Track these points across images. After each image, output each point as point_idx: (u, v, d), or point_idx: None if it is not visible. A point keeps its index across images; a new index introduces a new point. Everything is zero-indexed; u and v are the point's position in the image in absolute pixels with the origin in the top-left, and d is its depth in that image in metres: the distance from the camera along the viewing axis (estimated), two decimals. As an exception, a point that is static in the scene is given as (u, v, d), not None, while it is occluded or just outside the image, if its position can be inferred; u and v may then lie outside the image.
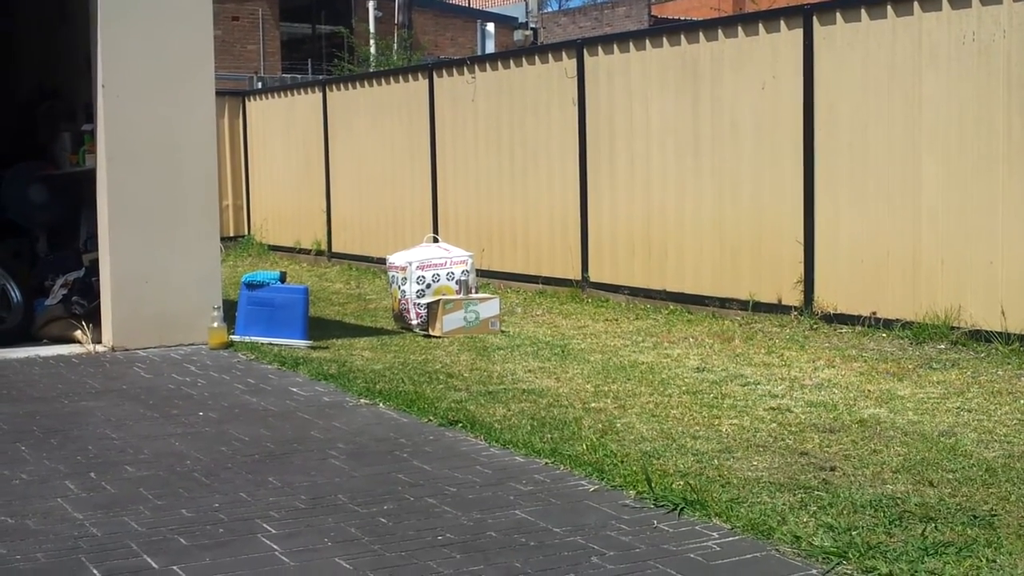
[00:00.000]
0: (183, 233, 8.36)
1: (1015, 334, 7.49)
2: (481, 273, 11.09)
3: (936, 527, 4.04)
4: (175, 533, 4.19)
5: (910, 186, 8.18)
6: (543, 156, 11.45)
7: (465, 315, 8.74)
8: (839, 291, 8.68)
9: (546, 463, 5.03)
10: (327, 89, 15.22)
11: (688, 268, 9.90)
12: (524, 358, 7.66)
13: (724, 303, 9.51)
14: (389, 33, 28.45)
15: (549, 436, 5.45)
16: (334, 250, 15.14)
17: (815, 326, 8.62)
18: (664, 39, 10.11)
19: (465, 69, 12.57)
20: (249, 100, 17.39)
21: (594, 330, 8.93)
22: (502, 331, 8.81)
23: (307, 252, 15.68)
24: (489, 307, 8.85)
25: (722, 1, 29.79)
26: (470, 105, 12.42)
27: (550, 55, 11.44)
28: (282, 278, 8.73)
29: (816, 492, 4.48)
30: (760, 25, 9.25)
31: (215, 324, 8.26)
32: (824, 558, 3.78)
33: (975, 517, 4.14)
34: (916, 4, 8.08)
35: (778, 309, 9.08)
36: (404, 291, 9.08)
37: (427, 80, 13.14)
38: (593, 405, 6.17)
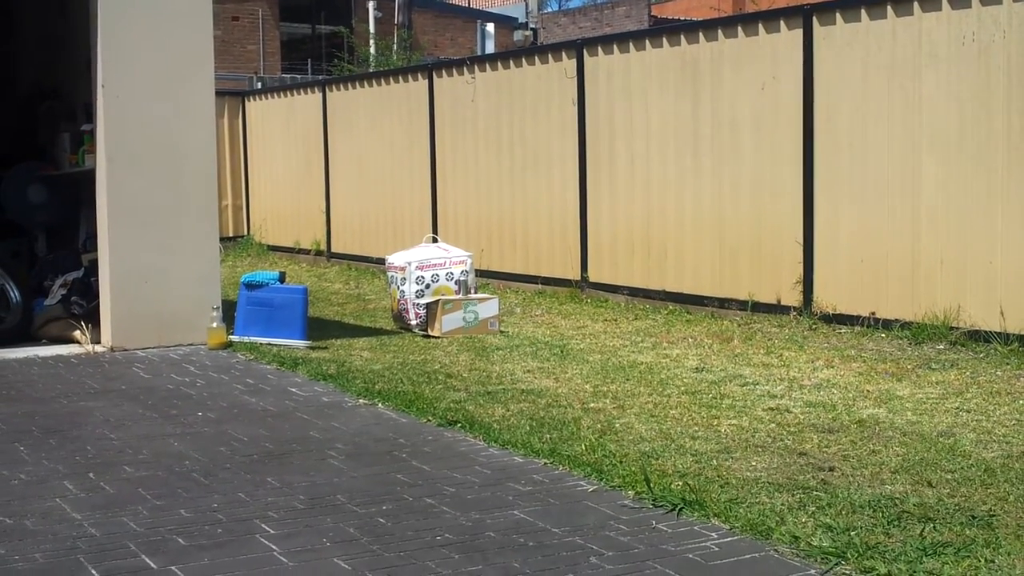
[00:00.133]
0: (182, 233, 8.36)
1: (1014, 334, 7.49)
2: (480, 273, 11.09)
3: (935, 527, 4.04)
4: (174, 533, 4.19)
5: (909, 186, 8.18)
6: (543, 156, 11.45)
7: (464, 315, 8.74)
8: (838, 291, 8.68)
9: (545, 463, 5.03)
10: (327, 89, 15.22)
11: (687, 268, 9.90)
12: (523, 358, 7.66)
13: (723, 303, 9.51)
14: (389, 33, 28.45)
15: (548, 436, 5.45)
16: (333, 250, 15.14)
17: (814, 326, 8.62)
18: (664, 39, 10.11)
19: (465, 69, 12.57)
20: (249, 100, 17.39)
21: (593, 330, 8.93)
22: (501, 331, 8.81)
23: (306, 252, 15.68)
24: (488, 307, 8.85)
25: (722, 1, 29.78)
26: (470, 105, 12.42)
27: (550, 55, 11.44)
28: (281, 278, 8.73)
29: (815, 492, 4.48)
30: (760, 25, 9.25)
31: (214, 324, 8.26)
32: (823, 558, 3.78)
33: (974, 517, 4.14)
34: (916, 4, 8.08)
35: (777, 309, 9.08)
36: (403, 291, 9.08)
37: (427, 80, 13.14)
38: (592, 405, 6.17)
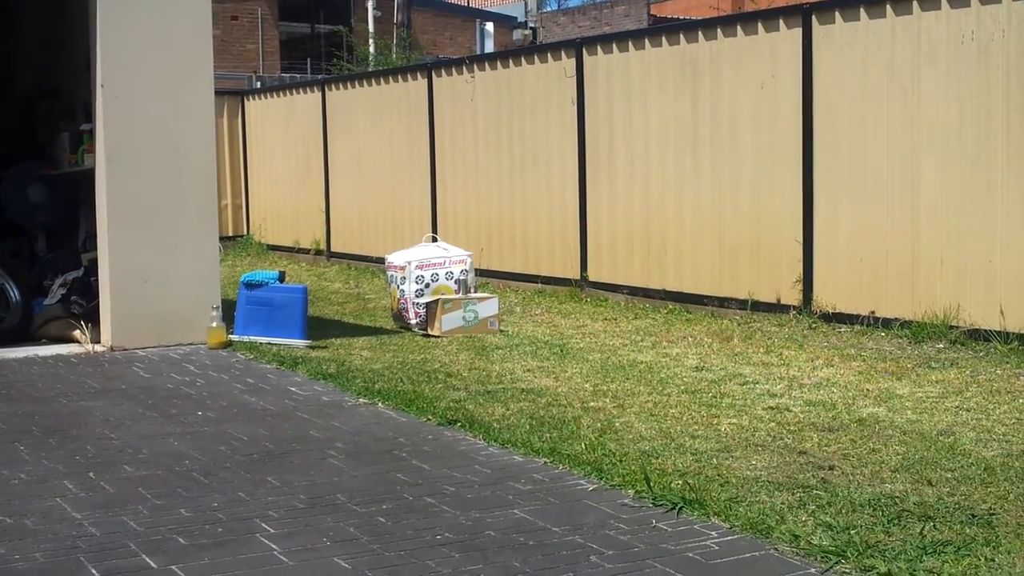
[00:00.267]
0: (182, 233, 8.36)
1: (1014, 333, 7.50)
2: (480, 272, 11.09)
3: (935, 526, 4.04)
4: (174, 533, 4.19)
5: (909, 185, 8.19)
6: (542, 155, 11.45)
7: (464, 314, 8.74)
8: (838, 290, 8.68)
9: (545, 462, 5.03)
10: (326, 88, 15.22)
11: (687, 267, 9.90)
12: (523, 357, 7.66)
13: (723, 302, 9.51)
14: (388, 32, 28.46)
15: (548, 435, 5.45)
16: (333, 250, 15.14)
17: (814, 325, 8.62)
18: (663, 38, 10.11)
19: (464, 68, 12.57)
20: (248, 100, 17.39)
21: (593, 329, 8.93)
22: (501, 330, 8.81)
23: (306, 252, 15.68)
24: (488, 306, 8.85)
25: (721, 0, 29.78)
26: (469, 104, 12.42)
27: (549, 54, 11.44)
28: (281, 278, 8.72)
29: (815, 491, 4.48)
30: (759, 24, 9.25)
31: (214, 324, 8.26)
32: (823, 557, 3.78)
33: (973, 516, 4.14)
34: (915, 3, 8.08)
35: (777, 308, 9.08)
36: (403, 290, 9.08)
37: (426, 79, 13.14)
38: (592, 404, 6.17)
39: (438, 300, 8.77)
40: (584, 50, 10.95)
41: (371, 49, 27.39)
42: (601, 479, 4.73)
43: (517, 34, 34.95)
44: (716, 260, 9.63)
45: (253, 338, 8.36)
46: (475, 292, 9.33)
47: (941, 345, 7.69)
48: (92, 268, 8.68)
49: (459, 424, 5.74)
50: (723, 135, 9.53)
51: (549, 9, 41.94)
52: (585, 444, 5.23)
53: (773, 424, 5.64)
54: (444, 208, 12.95)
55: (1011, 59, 7.53)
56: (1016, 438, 5.28)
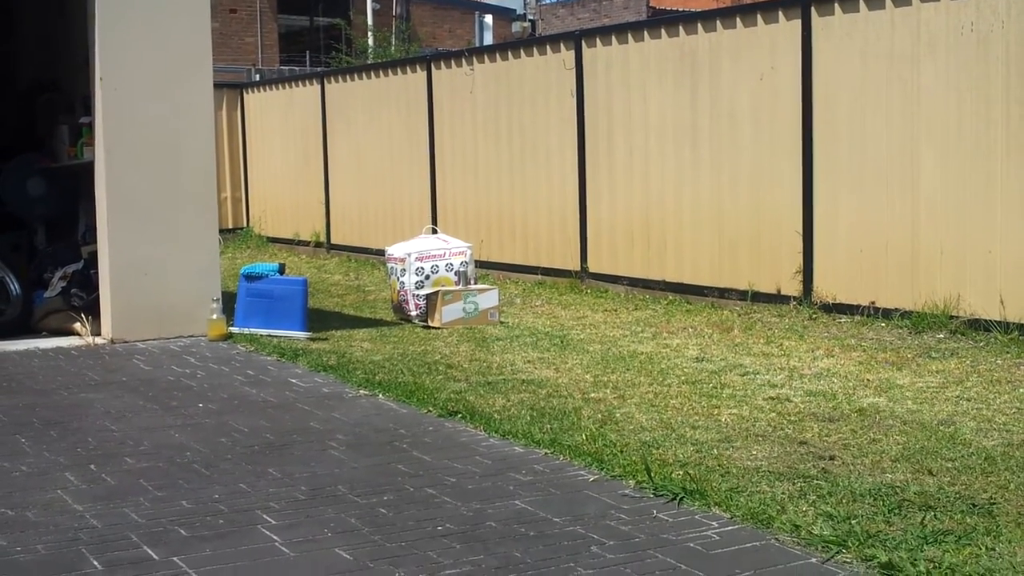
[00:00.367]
0: (182, 225, 8.36)
1: (1014, 323, 7.50)
2: (480, 264, 11.09)
3: (935, 515, 4.04)
4: (175, 524, 4.19)
5: (909, 176, 8.18)
6: (542, 147, 11.44)
7: (464, 306, 8.74)
8: (838, 281, 8.68)
9: (545, 453, 5.04)
10: (325, 81, 15.21)
11: (687, 258, 9.90)
12: (523, 349, 7.67)
13: (723, 293, 9.52)
14: (387, 25, 28.45)
15: (548, 426, 5.45)
16: (333, 242, 15.13)
17: (814, 316, 8.62)
18: (662, 30, 10.10)
19: (463, 61, 12.56)
20: (247, 92, 17.38)
21: (593, 320, 8.93)
22: (501, 322, 8.81)
23: (306, 244, 15.67)
24: (488, 298, 8.85)
25: (720, -8, 29.74)
26: (468, 97, 12.41)
27: (548, 47, 11.42)
28: (281, 270, 8.72)
29: (815, 481, 4.48)
30: (758, 16, 9.23)
31: (214, 316, 8.26)
32: (823, 547, 3.78)
33: (974, 505, 4.15)
34: (914, -6, 8.08)
35: (777, 299, 9.08)
36: (403, 282, 9.08)
37: (425, 72, 13.13)
38: (592, 395, 6.17)
39: (438, 292, 8.77)
40: (583, 42, 10.94)
41: (370, 42, 27.36)
42: (602, 470, 4.73)
43: (516, 26, 34.92)
44: (716, 251, 9.63)
45: (253, 330, 8.37)
46: (475, 284, 9.33)
47: (941, 335, 7.69)
48: (92, 261, 8.68)
49: (460, 415, 5.74)
50: (722, 127, 9.52)
51: (548, 1, 41.86)
52: (586, 435, 5.24)
53: (774, 414, 5.64)
54: (444, 200, 12.95)
55: (1010, 50, 7.52)
56: (1016, 427, 5.29)
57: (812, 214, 8.84)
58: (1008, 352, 7.07)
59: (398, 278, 9.15)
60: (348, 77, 14.90)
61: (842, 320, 8.43)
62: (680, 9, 27.78)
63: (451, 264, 9.18)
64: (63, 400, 6.45)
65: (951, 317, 7.83)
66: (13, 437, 5.59)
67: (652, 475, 4.54)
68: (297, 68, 27.36)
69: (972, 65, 7.74)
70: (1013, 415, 5.53)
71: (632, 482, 4.55)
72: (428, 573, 3.69)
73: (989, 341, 7.41)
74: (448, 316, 8.67)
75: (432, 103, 13.02)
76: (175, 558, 3.84)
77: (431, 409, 5.92)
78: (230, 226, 16.90)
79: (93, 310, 8.45)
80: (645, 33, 10.29)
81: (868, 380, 6.42)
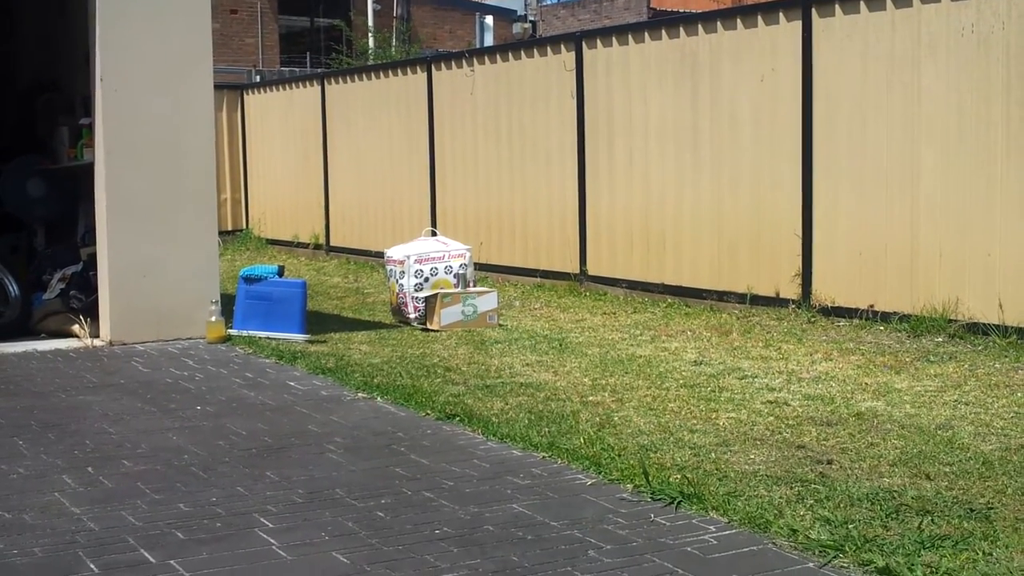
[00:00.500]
0: (181, 227, 8.36)
1: (1013, 327, 7.49)
2: (479, 267, 11.09)
3: (933, 520, 4.04)
4: (172, 527, 4.19)
5: (908, 179, 8.18)
6: (542, 149, 11.44)
7: (463, 309, 8.73)
8: (837, 284, 8.68)
9: (543, 457, 5.03)
10: (325, 82, 15.21)
11: (686, 261, 9.89)
12: (522, 352, 7.66)
13: (722, 296, 9.51)
14: (387, 26, 28.44)
15: (547, 430, 5.45)
16: (332, 244, 15.13)
17: (813, 319, 8.62)
18: (663, 32, 10.10)
19: (464, 62, 12.56)
20: (247, 93, 17.38)
21: (592, 323, 8.93)
22: (500, 325, 8.81)
23: (305, 246, 15.67)
24: (487, 301, 8.85)
25: (721, -7, 29.74)
26: (469, 98, 12.41)
27: (549, 48, 11.42)
28: (280, 272, 8.72)
29: (813, 485, 4.48)
30: (759, 17, 9.24)
31: (213, 318, 8.26)
32: (821, 551, 3.78)
33: (972, 510, 4.14)
34: (914, -4, 8.08)
35: (776, 302, 9.08)
36: (402, 285, 9.08)
37: (426, 73, 13.13)
38: (591, 399, 6.17)
39: (437, 294, 8.77)
40: (584, 43, 10.94)
41: (370, 43, 27.37)
42: (600, 473, 4.73)
43: (517, 27, 34.93)
44: (715, 254, 9.62)
45: (252, 332, 8.36)
46: (474, 286, 9.33)
47: (940, 339, 7.69)
48: (91, 263, 8.68)
49: (458, 418, 5.74)
50: (723, 128, 9.52)
51: (549, 2, 41.88)
52: (584, 438, 5.23)
53: (772, 418, 5.64)
54: (443, 202, 12.95)
55: (1011, 52, 7.52)
56: (1014, 432, 5.28)
57: (811, 217, 8.84)
58: (1007, 356, 7.07)
59: (397, 280, 9.15)
60: (348, 78, 14.90)
61: (841, 324, 8.43)
62: (681, 10, 27.79)
63: (450, 267, 9.18)
64: (61, 402, 6.45)
65: (950, 321, 7.83)
66: (11, 439, 5.58)
67: (650, 479, 4.54)
68: (297, 69, 27.37)
69: (972, 67, 7.74)
70: (1011, 419, 5.53)
71: (630, 486, 4.54)
72: (425, 577, 3.69)
73: (988, 345, 7.40)
74: (447, 319, 8.67)
75: (432, 104, 13.02)
76: (172, 561, 3.84)
77: (429, 412, 5.91)
78: (229, 228, 16.91)
79: (92, 312, 8.45)
80: (646, 34, 10.29)
81: (866, 384, 6.41)
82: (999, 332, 7.52)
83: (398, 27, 27.80)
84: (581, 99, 10.92)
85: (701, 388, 6.38)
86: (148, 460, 5.17)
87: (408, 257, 9.13)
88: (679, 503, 4.31)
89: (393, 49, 25.79)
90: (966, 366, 6.82)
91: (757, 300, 9.22)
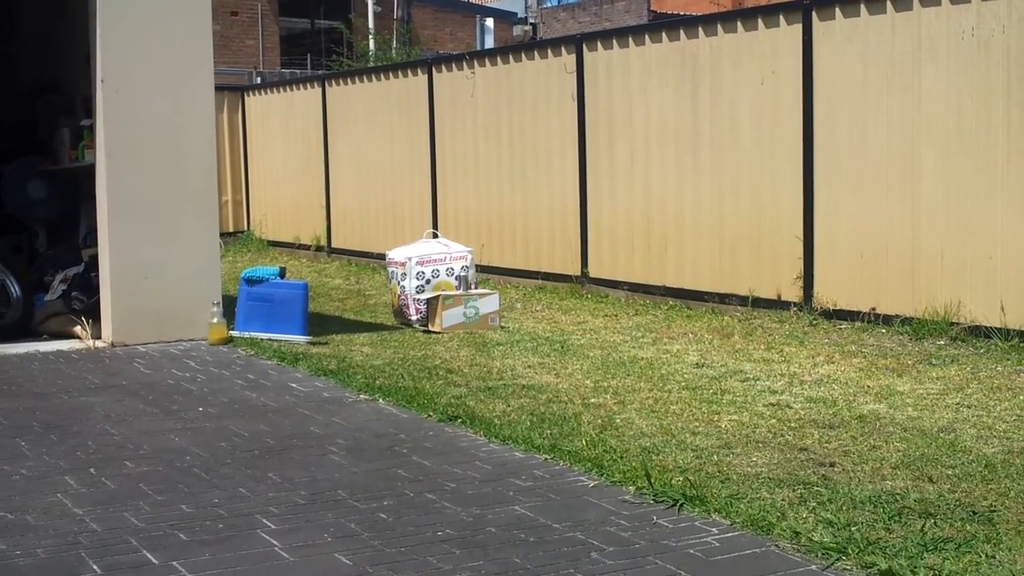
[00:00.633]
0: (182, 229, 8.36)
1: (1014, 330, 7.49)
2: (481, 269, 11.09)
3: (935, 523, 4.04)
4: (175, 528, 4.19)
5: (909, 181, 8.18)
6: (542, 152, 11.45)
7: (465, 311, 8.74)
8: (839, 287, 8.68)
9: (545, 459, 5.04)
10: (326, 84, 15.22)
11: (687, 264, 9.90)
12: (524, 354, 7.67)
13: (724, 299, 9.52)
14: (388, 28, 28.45)
15: (548, 432, 5.45)
16: (333, 246, 15.13)
17: (814, 322, 8.62)
18: (663, 34, 10.11)
19: (464, 64, 12.56)
20: (248, 95, 17.39)
21: (593, 326, 8.93)
22: (502, 327, 8.81)
23: (306, 248, 15.68)
24: (489, 303, 8.85)
25: (721, -4, 29.77)
26: (469, 100, 12.41)
27: (549, 50, 11.43)
28: (281, 274, 8.73)
29: (815, 488, 4.48)
30: (759, 20, 9.24)
31: (214, 320, 8.26)
32: (823, 554, 3.78)
33: (974, 513, 4.14)
34: (916, -1, 8.09)
35: (777, 305, 9.08)
36: (403, 287, 9.08)
37: (426, 75, 13.13)
38: (592, 401, 6.17)
39: (439, 296, 8.77)
40: (584, 46, 10.94)
41: (371, 45, 27.37)
42: (602, 475, 4.73)
43: (517, 30, 34.92)
44: (717, 256, 9.63)
45: (254, 334, 8.36)
46: (476, 288, 9.33)
47: (942, 342, 7.69)
48: (93, 264, 8.68)
49: (460, 420, 5.74)
50: (723, 131, 9.52)
51: (549, 5, 41.91)
52: (586, 440, 5.23)
53: (774, 421, 5.64)
54: (445, 204, 12.95)
55: (1011, 55, 7.52)
56: (1017, 435, 5.29)
57: (813, 219, 8.84)
58: (1008, 359, 7.07)
59: (399, 282, 9.15)
60: (349, 80, 14.90)
61: (842, 326, 8.43)
62: (681, 13, 27.80)
63: (452, 268, 9.18)
64: (63, 403, 6.45)
65: (951, 323, 7.83)
66: (13, 440, 5.59)
67: (652, 481, 4.54)
68: (298, 71, 27.37)
69: (973, 70, 7.74)
70: (1013, 422, 5.53)
71: (632, 488, 4.54)
72: (428, 579, 3.69)
73: (989, 348, 7.40)
74: (449, 321, 8.67)
75: (433, 107, 13.03)
76: (175, 562, 3.84)
77: (431, 414, 5.92)
78: (231, 230, 16.90)
79: (94, 313, 8.45)
80: (646, 37, 10.30)
81: (868, 387, 6.41)
82: (1001, 335, 7.52)
83: (398, 29, 27.80)
84: (582, 101, 10.92)
85: (703, 390, 6.38)
86: (150, 461, 5.17)
87: (410, 259, 9.13)
88: (681, 505, 4.31)
89: (394, 51, 25.79)
90: (968, 369, 6.82)
91: (759, 302, 9.22)
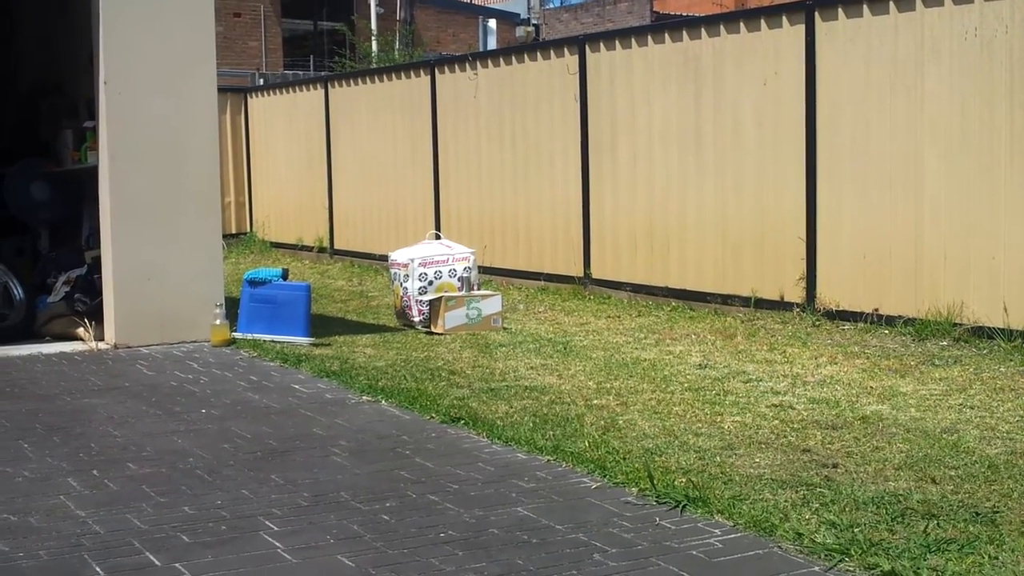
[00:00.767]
0: (185, 230, 8.37)
1: (1017, 331, 7.49)
2: (483, 270, 11.10)
3: (938, 524, 4.03)
4: (178, 530, 4.19)
5: (912, 182, 8.18)
6: (545, 153, 11.45)
7: (467, 312, 8.73)
8: (841, 288, 8.67)
9: (548, 460, 5.03)
10: (329, 86, 15.22)
11: (690, 265, 9.89)
12: (526, 355, 7.66)
13: (726, 300, 9.51)
14: (391, 29, 28.46)
15: (551, 433, 5.45)
16: (336, 247, 15.14)
17: (817, 323, 8.61)
18: (666, 35, 10.10)
19: (467, 65, 12.56)
20: (251, 97, 17.40)
21: (596, 327, 8.93)
22: (504, 328, 8.81)
23: (309, 249, 15.68)
24: (491, 304, 8.85)
25: (724, -3, 29.77)
26: (472, 101, 12.41)
27: (552, 51, 11.43)
28: (284, 275, 8.73)
29: (818, 489, 4.48)
30: (762, 20, 9.24)
31: (217, 321, 8.27)
32: (826, 555, 3.78)
33: (977, 514, 4.14)
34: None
35: (780, 306, 9.08)
36: (406, 288, 9.08)
37: (429, 76, 13.13)
38: (595, 402, 6.17)
39: (441, 297, 8.77)
40: (587, 47, 10.94)
41: (374, 46, 27.38)
42: (604, 477, 4.73)
43: (520, 31, 34.93)
44: (719, 257, 9.62)
45: (256, 336, 8.37)
46: (478, 289, 9.33)
47: (945, 343, 7.68)
48: (96, 266, 8.69)
49: (462, 422, 5.74)
50: (726, 132, 9.52)
51: (552, 6, 41.92)
52: (588, 442, 5.23)
53: (777, 422, 5.64)
54: (447, 205, 12.95)
55: (1014, 55, 7.52)
56: (1020, 436, 5.28)
57: (815, 220, 8.83)
58: (1012, 360, 7.06)
59: (401, 284, 9.15)
60: (352, 81, 14.91)
61: (845, 327, 8.42)
62: (684, 14, 27.79)
63: (454, 270, 9.18)
64: (66, 405, 6.45)
65: (955, 324, 7.83)
66: (16, 442, 5.59)
67: (655, 482, 4.54)
68: (301, 72, 27.39)
69: (976, 70, 7.74)
70: (1017, 423, 5.53)
71: (635, 489, 4.54)
72: (430, 580, 3.69)
73: (992, 349, 7.40)
74: (451, 322, 8.67)
75: (436, 108, 13.03)
76: (177, 564, 3.84)
77: (434, 415, 5.92)
78: (234, 231, 16.92)
79: (97, 315, 8.46)
80: (649, 38, 10.30)
81: (871, 388, 6.41)
82: (1004, 336, 7.51)
83: (401, 30, 27.82)
84: (584, 102, 10.92)
85: (706, 392, 6.38)
86: (153, 463, 5.17)
87: (412, 260, 9.13)
88: (684, 506, 4.30)
89: (396, 52, 25.80)
90: (971, 370, 6.82)
91: (761, 304, 9.21)
